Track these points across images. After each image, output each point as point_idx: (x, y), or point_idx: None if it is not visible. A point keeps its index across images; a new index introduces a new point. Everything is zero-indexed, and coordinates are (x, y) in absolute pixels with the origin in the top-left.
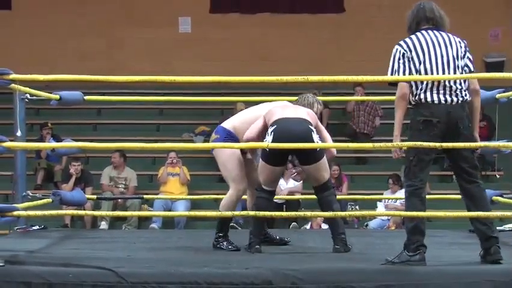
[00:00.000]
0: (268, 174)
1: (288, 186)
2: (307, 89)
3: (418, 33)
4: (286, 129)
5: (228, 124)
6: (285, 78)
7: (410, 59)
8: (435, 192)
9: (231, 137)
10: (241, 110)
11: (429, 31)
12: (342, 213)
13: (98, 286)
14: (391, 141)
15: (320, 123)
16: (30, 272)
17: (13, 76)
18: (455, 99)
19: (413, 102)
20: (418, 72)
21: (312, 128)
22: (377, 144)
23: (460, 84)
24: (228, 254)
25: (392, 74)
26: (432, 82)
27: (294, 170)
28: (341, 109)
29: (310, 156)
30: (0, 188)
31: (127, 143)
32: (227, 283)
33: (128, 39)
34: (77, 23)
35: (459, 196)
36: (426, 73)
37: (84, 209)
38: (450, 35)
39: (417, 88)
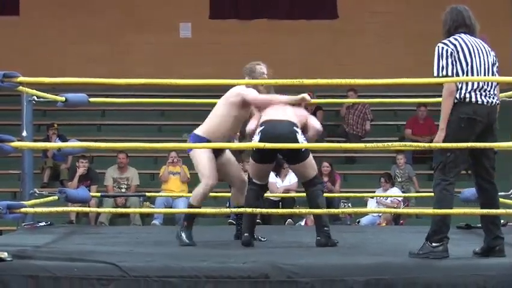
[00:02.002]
0: (256, 171)
1: (283, 184)
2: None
3: (461, 36)
4: (271, 131)
5: (199, 131)
6: (280, 82)
7: (457, 59)
8: (424, 190)
9: (199, 140)
10: None
11: (468, 36)
12: (336, 210)
13: (102, 279)
14: (380, 141)
15: (308, 115)
16: (37, 266)
17: (21, 79)
18: (493, 101)
19: (455, 100)
20: (464, 72)
21: (298, 129)
22: (368, 145)
23: (494, 88)
24: (226, 249)
25: (439, 71)
26: (477, 84)
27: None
28: (334, 111)
29: (296, 157)
30: (9, 185)
31: (130, 143)
32: (225, 277)
33: (131, 45)
34: (83, 29)
35: None
36: (472, 75)
37: (89, 206)
38: (484, 43)
39: (461, 88)
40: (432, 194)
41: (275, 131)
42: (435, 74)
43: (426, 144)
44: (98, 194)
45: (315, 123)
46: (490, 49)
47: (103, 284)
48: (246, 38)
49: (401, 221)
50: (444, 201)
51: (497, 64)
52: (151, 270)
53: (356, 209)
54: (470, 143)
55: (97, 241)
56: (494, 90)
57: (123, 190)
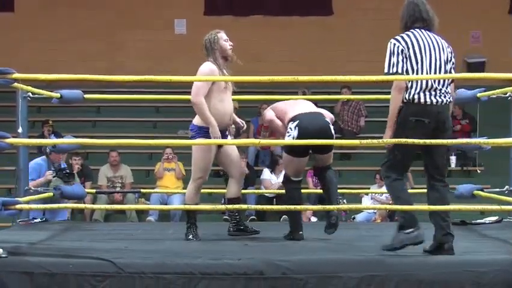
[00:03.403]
0: (296, 166)
1: (278, 180)
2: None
3: (415, 32)
4: (310, 124)
5: (196, 119)
6: (275, 78)
7: (408, 57)
8: (419, 186)
9: (203, 131)
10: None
11: (423, 31)
12: (331, 207)
13: (97, 276)
14: (376, 137)
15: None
16: (32, 262)
17: (16, 75)
18: (444, 100)
19: (405, 100)
20: (414, 70)
21: (329, 121)
22: (363, 141)
23: (446, 87)
24: (221, 246)
25: (389, 68)
26: (426, 83)
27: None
28: (329, 107)
29: (330, 147)
30: (4, 182)
31: (125, 139)
32: (220, 273)
33: (126, 41)
34: (78, 26)
35: None
36: (422, 73)
37: (84, 203)
38: (441, 39)
39: (411, 87)
40: (426, 190)
41: (315, 124)
42: (385, 71)
43: (421, 141)
44: (93, 191)
45: (329, 113)
46: (446, 45)
47: (98, 280)
48: (241, 34)
49: (396, 218)
50: (396, 191)
51: (453, 61)
52: (146, 266)
53: (351, 206)
54: (422, 143)
55: (92, 238)
56: (446, 88)
57: (118, 188)
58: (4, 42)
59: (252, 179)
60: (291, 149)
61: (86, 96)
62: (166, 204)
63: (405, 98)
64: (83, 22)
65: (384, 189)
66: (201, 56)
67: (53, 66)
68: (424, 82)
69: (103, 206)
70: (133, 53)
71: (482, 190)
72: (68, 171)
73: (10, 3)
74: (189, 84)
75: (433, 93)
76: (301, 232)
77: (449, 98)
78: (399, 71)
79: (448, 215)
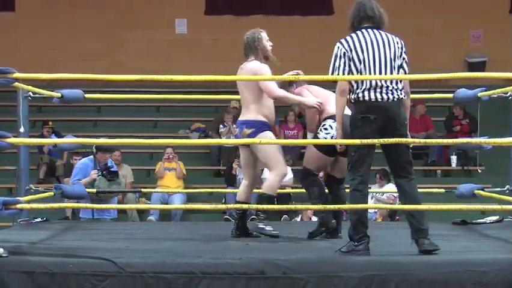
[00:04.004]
0: (322, 163)
1: None
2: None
3: (359, 32)
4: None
5: (254, 115)
6: (276, 77)
7: (351, 59)
8: (420, 186)
9: (263, 124)
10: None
11: (370, 30)
12: (332, 206)
13: (97, 275)
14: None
15: None
16: (32, 262)
17: (16, 75)
18: (391, 97)
19: (352, 101)
20: (358, 71)
21: None
22: (364, 141)
23: (396, 84)
24: (222, 245)
25: (333, 72)
26: (370, 81)
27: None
28: None
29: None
30: (4, 181)
31: (126, 139)
32: (221, 273)
33: (127, 41)
34: (79, 25)
35: (442, 190)
36: (365, 73)
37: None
38: (389, 35)
39: (357, 87)
40: (427, 190)
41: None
42: (329, 74)
43: (422, 140)
44: (94, 190)
45: None
46: (395, 41)
47: (99, 279)
48: (241, 34)
49: (397, 217)
50: (354, 201)
51: (403, 56)
52: (146, 266)
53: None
54: (375, 140)
55: (92, 237)
56: (396, 84)
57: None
58: (5, 42)
59: None
60: (323, 146)
61: (87, 95)
62: (166, 203)
63: (353, 98)
64: (83, 22)
65: (384, 188)
66: (201, 55)
67: (54, 66)
68: (369, 81)
69: (103, 206)
70: (134, 52)
71: (483, 190)
72: (112, 169)
73: (11, 2)
74: (189, 84)
75: (379, 90)
76: (333, 220)
77: (398, 95)
78: (341, 74)
79: (417, 211)
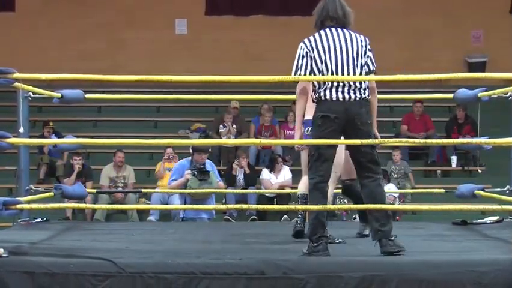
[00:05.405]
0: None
1: (278, 180)
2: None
3: (322, 32)
4: None
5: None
6: (276, 78)
7: (313, 58)
8: (420, 186)
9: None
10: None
11: (333, 29)
12: (332, 207)
13: (98, 276)
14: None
15: None
16: (33, 262)
17: (17, 75)
18: (352, 96)
19: (314, 100)
20: (320, 71)
21: None
22: (364, 141)
23: (360, 83)
24: (222, 245)
25: (296, 72)
26: (331, 81)
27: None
28: None
29: None
30: (5, 182)
31: (126, 139)
32: (221, 273)
33: (127, 41)
34: (79, 25)
35: (442, 190)
36: (327, 72)
37: (85, 203)
38: (352, 33)
39: (319, 87)
40: (427, 190)
41: None
42: (292, 74)
43: (422, 140)
44: (94, 191)
45: None
46: (359, 39)
47: (99, 280)
48: (241, 34)
49: (397, 217)
50: (314, 201)
51: (368, 54)
52: (147, 266)
53: (351, 205)
54: (335, 140)
55: (93, 237)
56: (360, 84)
57: (120, 188)
58: (5, 42)
59: (252, 179)
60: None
61: (87, 96)
62: (166, 204)
63: (315, 97)
64: (83, 22)
65: (384, 188)
66: (201, 56)
67: (54, 66)
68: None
69: (103, 206)
70: (134, 52)
71: (483, 190)
72: (204, 169)
73: (11, 2)
74: (190, 84)
75: (340, 89)
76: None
77: (361, 94)
78: (303, 74)
79: (379, 212)
